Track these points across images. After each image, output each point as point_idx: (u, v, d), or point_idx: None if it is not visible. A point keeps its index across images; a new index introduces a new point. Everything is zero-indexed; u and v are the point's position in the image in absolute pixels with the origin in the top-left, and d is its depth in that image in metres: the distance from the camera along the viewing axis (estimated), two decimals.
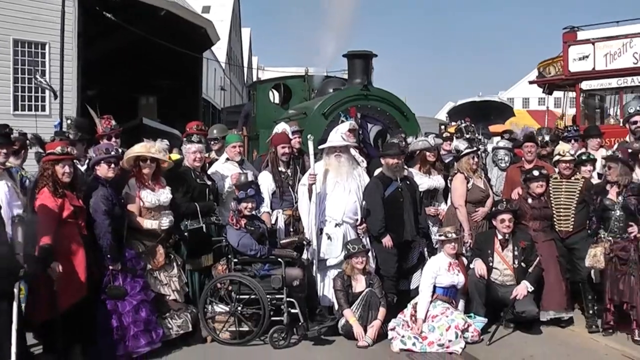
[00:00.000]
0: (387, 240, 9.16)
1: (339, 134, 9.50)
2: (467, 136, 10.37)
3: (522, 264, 8.98)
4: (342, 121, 10.93)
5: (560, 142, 10.64)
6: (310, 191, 9.19)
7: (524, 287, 8.76)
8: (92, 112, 10.34)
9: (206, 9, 57.50)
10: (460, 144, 10.24)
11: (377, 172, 9.72)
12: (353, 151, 9.84)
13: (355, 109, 11.49)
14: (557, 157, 9.64)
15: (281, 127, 10.61)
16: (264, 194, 9.39)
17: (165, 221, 8.26)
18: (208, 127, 11.61)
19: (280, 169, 9.80)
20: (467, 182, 9.76)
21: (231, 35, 60.43)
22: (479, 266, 8.93)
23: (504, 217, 9.07)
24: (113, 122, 10.00)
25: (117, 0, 23.93)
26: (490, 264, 9.06)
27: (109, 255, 7.66)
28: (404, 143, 10.11)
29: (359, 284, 8.77)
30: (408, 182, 9.49)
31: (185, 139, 9.95)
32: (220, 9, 60.92)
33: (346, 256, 8.86)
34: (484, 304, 8.93)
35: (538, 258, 8.94)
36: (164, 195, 8.42)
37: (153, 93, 32.69)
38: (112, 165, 8.00)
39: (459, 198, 9.75)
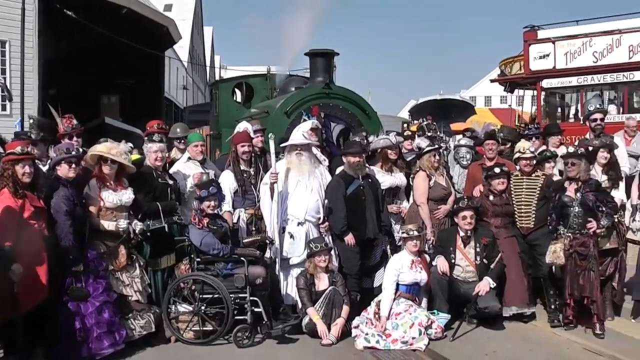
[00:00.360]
0: (349, 239, 9.19)
1: (301, 133, 9.51)
2: (429, 134, 10.45)
3: (484, 260, 9.06)
4: (304, 120, 10.96)
5: (522, 139, 10.75)
6: (272, 190, 9.19)
7: (486, 283, 8.85)
8: (53, 111, 10.24)
9: (168, 7, 57.16)
10: (422, 142, 10.31)
11: (339, 170, 9.76)
12: (315, 150, 9.88)
13: (317, 108, 11.54)
14: (517, 155, 9.74)
15: (242, 126, 10.62)
16: (226, 193, 9.37)
17: (123, 223, 8.21)
18: (170, 126, 11.56)
19: (241, 167, 9.78)
20: (429, 180, 9.82)
21: (193, 34, 60.18)
22: (441, 263, 9.00)
23: (465, 214, 9.15)
24: (74, 122, 9.90)
25: None
26: (453, 260, 9.12)
27: (70, 256, 7.59)
28: (365, 141, 10.17)
29: (322, 282, 8.80)
30: (370, 180, 9.51)
31: (146, 138, 9.91)
32: (182, 8, 60.60)
33: (309, 255, 8.87)
34: (446, 301, 8.99)
35: (500, 254, 9.02)
36: (126, 195, 8.37)
37: (115, 92, 32.50)
38: (73, 165, 7.91)
39: (421, 196, 9.81)
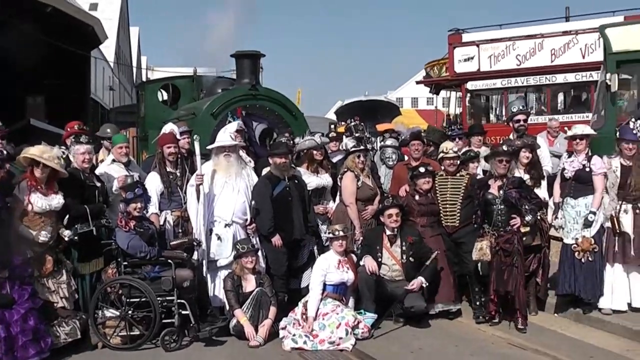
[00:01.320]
0: (276, 240, 9.22)
1: (227, 134, 9.50)
2: (357, 135, 10.53)
3: (411, 259, 9.19)
4: (230, 121, 10.94)
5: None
6: (198, 192, 9.15)
7: (419, 282, 8.98)
8: None
9: (93, 7, 56.23)
10: (349, 143, 10.38)
11: (265, 171, 9.78)
12: (241, 151, 9.88)
13: (241, 109, 11.55)
14: (441, 155, 9.90)
15: (169, 127, 10.54)
16: (152, 195, 9.26)
17: (43, 235, 8.08)
18: (98, 127, 11.41)
19: (167, 169, 9.71)
20: (357, 181, 9.92)
21: (119, 34, 59.37)
22: (369, 263, 9.08)
23: (391, 212, 9.25)
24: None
25: None
26: (380, 259, 9.21)
27: None
28: (291, 142, 10.22)
29: (249, 284, 8.80)
30: (296, 181, 9.56)
31: (73, 139, 9.76)
32: (108, 7, 59.70)
33: (236, 256, 8.87)
34: (373, 301, 9.08)
35: (436, 253, 9.15)
36: (55, 200, 8.22)
37: (41, 92, 31.78)
38: None
39: (349, 196, 9.88)
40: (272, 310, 8.70)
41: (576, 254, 9.14)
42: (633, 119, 9.36)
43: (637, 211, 8.98)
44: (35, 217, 8.09)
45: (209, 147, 9.54)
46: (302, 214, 9.42)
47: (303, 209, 9.46)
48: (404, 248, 9.24)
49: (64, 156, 8.92)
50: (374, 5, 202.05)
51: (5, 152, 8.65)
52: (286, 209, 9.31)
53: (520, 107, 10.72)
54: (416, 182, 9.67)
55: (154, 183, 9.52)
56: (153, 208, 9.29)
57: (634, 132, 9.05)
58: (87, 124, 23.76)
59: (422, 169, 9.65)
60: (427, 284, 9.05)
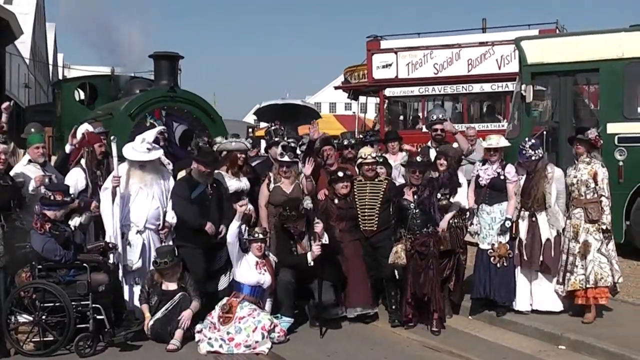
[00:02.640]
0: (209, 228, 9.14)
1: (145, 144, 9.35)
2: (276, 139, 10.51)
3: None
4: (150, 123, 10.79)
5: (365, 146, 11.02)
6: (114, 194, 9.03)
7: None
8: None
9: (8, 0, 54.81)
10: (278, 150, 10.24)
11: (182, 173, 9.75)
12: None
13: (159, 111, 11.45)
14: (359, 160, 10.00)
15: (84, 127, 10.37)
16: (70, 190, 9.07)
17: None
18: (13, 126, 11.13)
19: (93, 169, 9.60)
20: (269, 184, 9.95)
21: (35, 30, 57.92)
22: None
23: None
24: None
25: None
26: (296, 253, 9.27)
27: None
28: (208, 145, 10.10)
29: (171, 284, 8.78)
30: (215, 185, 9.50)
31: None
32: (23, 1, 58.25)
33: (156, 269, 8.80)
34: (291, 307, 9.15)
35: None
36: None
37: None
38: None
39: (261, 199, 10.01)
40: (194, 304, 8.68)
41: (492, 259, 9.37)
42: (526, 139, 9.65)
43: (533, 219, 9.27)
44: None
45: (128, 157, 9.33)
46: (219, 217, 9.36)
47: (220, 212, 9.39)
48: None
49: None
50: (292, 9, 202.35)
51: None
52: (203, 211, 9.23)
53: (440, 116, 10.90)
54: (334, 186, 9.73)
55: (76, 179, 9.37)
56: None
57: (524, 152, 9.30)
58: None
59: (340, 174, 9.73)
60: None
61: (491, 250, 9.39)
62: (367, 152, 10.03)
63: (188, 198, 9.22)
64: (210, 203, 9.33)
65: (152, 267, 8.88)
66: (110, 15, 14.04)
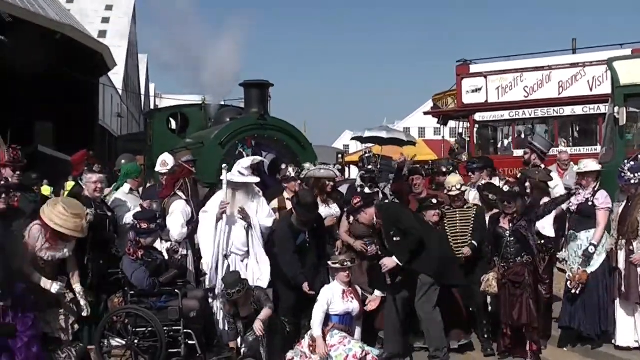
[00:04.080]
0: (305, 287, 8.97)
1: (238, 169, 9.42)
2: (369, 167, 10.48)
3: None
4: (240, 152, 10.86)
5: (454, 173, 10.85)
6: (218, 219, 9.06)
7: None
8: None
9: (102, 34, 56.67)
10: (358, 180, 10.20)
11: (274, 203, 9.78)
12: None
13: (250, 139, 11.53)
14: (446, 190, 9.88)
15: (164, 157, 10.53)
16: (183, 222, 9.25)
17: (56, 287, 7.91)
18: (106, 154, 11.41)
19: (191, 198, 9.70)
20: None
21: (128, 61, 59.71)
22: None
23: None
24: (20, 154, 9.54)
25: (10, 21, 23.39)
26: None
27: None
28: (298, 173, 10.11)
29: (244, 310, 8.64)
30: (316, 231, 9.38)
31: (86, 167, 9.72)
32: (116, 34, 60.14)
33: (227, 298, 8.70)
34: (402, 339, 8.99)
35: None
36: (62, 252, 8.06)
37: (49, 119, 31.96)
38: (3, 197, 7.80)
39: (341, 231, 9.86)
40: (266, 312, 8.52)
41: (568, 283, 9.11)
42: (625, 161, 9.29)
43: (631, 247, 8.82)
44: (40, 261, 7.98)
45: (223, 178, 9.44)
46: (318, 260, 9.30)
47: (319, 257, 9.33)
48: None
49: (90, 218, 8.76)
50: (381, 37, 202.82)
51: (6, 180, 8.56)
52: (304, 260, 9.16)
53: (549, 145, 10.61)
54: (425, 213, 9.62)
55: (186, 210, 9.45)
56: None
57: (622, 175, 8.99)
58: (95, 150, 23.96)
59: (433, 201, 9.59)
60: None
61: (569, 275, 9.12)
62: (453, 182, 9.88)
63: (292, 249, 9.12)
64: (310, 250, 9.28)
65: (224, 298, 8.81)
66: (199, 45, 14.26)
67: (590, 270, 9.02)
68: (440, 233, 9.39)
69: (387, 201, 9.96)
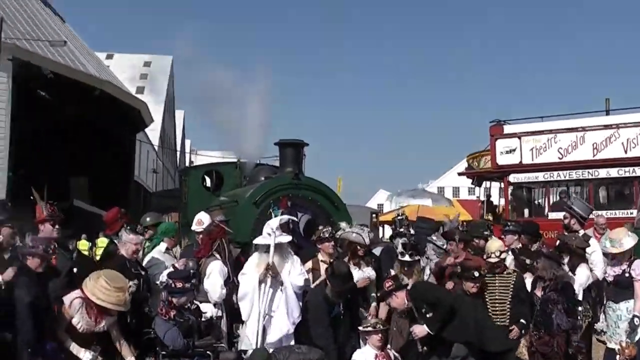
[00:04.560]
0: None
1: (267, 231, 9.32)
2: (401, 230, 10.43)
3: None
4: (271, 212, 10.81)
5: (492, 238, 10.74)
6: (261, 282, 9.01)
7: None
8: (36, 195, 9.94)
9: (140, 90, 57.53)
10: (399, 246, 10.13)
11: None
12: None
13: (286, 199, 11.52)
14: (485, 256, 9.78)
15: (200, 216, 10.57)
16: (221, 283, 9.26)
17: (88, 356, 7.85)
18: (140, 210, 11.51)
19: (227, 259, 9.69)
20: None
21: (165, 117, 60.49)
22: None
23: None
24: (56, 209, 9.64)
25: (51, 78, 23.84)
26: None
27: (29, 350, 7.31)
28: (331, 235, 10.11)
29: None
30: (350, 302, 9.32)
31: (128, 227, 9.68)
32: (154, 90, 60.99)
33: None
34: None
35: None
36: (101, 325, 7.99)
37: (85, 174, 32.36)
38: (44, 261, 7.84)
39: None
40: None
41: (618, 357, 8.80)
42: None
43: None
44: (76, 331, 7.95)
45: (257, 241, 9.40)
46: (351, 327, 9.23)
47: (352, 323, 9.27)
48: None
49: (132, 289, 8.67)
50: (414, 96, 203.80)
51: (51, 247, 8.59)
52: (337, 329, 9.08)
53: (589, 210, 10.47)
54: (465, 282, 9.42)
55: (222, 271, 9.44)
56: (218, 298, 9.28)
57: None
58: (129, 206, 24.12)
59: (475, 274, 9.35)
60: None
61: (619, 348, 8.81)
62: (493, 248, 9.76)
63: (326, 321, 9.01)
64: (344, 324, 9.21)
65: None
66: (235, 104, 14.45)
67: (632, 341, 8.75)
68: (474, 300, 9.22)
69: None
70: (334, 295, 9.04)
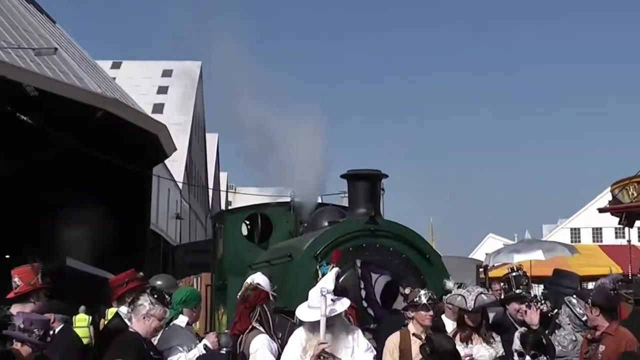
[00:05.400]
0: None
1: (308, 303, 9.24)
2: (518, 291, 10.23)
3: None
4: (318, 269, 10.59)
5: None
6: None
7: None
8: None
9: (158, 108, 58.03)
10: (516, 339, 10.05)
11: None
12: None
13: (339, 254, 11.21)
14: None
15: (256, 277, 10.50)
16: None
17: None
18: (160, 270, 11.56)
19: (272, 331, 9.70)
20: None
21: (192, 144, 60.83)
22: None
23: None
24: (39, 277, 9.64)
25: (35, 96, 24.16)
26: None
27: None
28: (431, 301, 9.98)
29: None
30: None
31: (154, 295, 9.69)
32: (177, 107, 61.38)
33: None
34: None
35: None
36: None
37: (82, 222, 32.60)
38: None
39: None
40: None
41: None
42: None
43: None
44: None
45: (301, 316, 9.28)
46: None
47: None
48: None
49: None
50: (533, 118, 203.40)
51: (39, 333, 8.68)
52: None
53: None
54: None
55: (270, 347, 9.36)
56: None
57: None
58: (145, 267, 24.27)
59: None
60: None
61: None
62: None
63: None
64: None
65: None
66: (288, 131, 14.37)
67: None
68: None
69: None
70: None
